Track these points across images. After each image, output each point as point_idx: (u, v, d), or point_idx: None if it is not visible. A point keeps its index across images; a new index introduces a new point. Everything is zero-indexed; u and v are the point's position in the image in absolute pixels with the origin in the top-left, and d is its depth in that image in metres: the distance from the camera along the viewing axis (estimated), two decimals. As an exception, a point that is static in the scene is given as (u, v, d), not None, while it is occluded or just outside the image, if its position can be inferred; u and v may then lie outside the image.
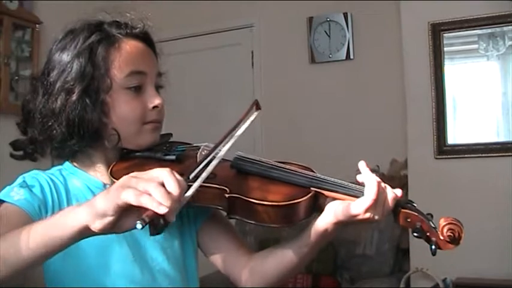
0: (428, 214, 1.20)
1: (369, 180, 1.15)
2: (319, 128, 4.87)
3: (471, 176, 3.82)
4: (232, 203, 1.18)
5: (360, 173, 1.19)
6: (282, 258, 1.29)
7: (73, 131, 1.23)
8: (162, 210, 0.85)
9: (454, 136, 4.00)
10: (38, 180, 1.23)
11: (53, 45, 1.31)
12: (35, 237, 0.92)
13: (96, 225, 0.88)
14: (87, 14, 1.32)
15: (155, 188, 0.87)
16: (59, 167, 1.33)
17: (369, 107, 4.72)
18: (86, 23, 1.30)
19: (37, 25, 4.57)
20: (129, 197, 0.86)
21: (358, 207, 1.14)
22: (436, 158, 3.97)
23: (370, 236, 4.26)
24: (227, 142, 1.20)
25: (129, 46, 1.29)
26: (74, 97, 1.22)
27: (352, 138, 4.72)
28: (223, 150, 1.18)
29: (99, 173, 1.31)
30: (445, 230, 1.16)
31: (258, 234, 4.49)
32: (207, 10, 5.24)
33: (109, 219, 0.88)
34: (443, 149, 3.96)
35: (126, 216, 0.89)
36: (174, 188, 0.89)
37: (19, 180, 1.23)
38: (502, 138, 3.92)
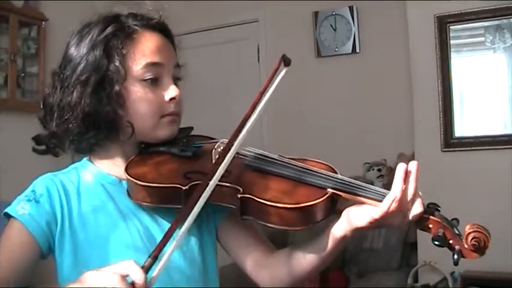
0: (453, 219, 1.13)
1: (394, 187, 1.09)
2: (326, 122, 4.87)
3: (478, 168, 3.81)
4: (245, 204, 1.15)
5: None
6: (300, 262, 1.26)
7: (89, 124, 1.23)
8: None
9: (461, 129, 3.99)
10: (47, 189, 1.22)
11: (69, 38, 1.30)
12: None
13: None
14: (103, 8, 1.31)
15: None
16: (76, 164, 1.33)
17: (375, 101, 4.71)
18: (102, 15, 1.29)
19: (43, 22, 4.59)
20: None
21: (375, 214, 1.10)
22: (443, 151, 3.96)
23: (378, 230, 4.25)
24: (256, 108, 1.14)
25: (146, 37, 1.28)
26: (89, 89, 1.22)
27: (358, 132, 4.71)
28: (245, 129, 1.13)
29: (117, 168, 1.30)
30: (469, 238, 1.09)
31: (264, 228, 4.48)
32: (213, 5, 5.24)
33: None
34: (450, 142, 3.95)
35: None
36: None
37: (29, 189, 1.23)
38: (509, 130, 3.91)
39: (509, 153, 3.75)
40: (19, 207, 1.18)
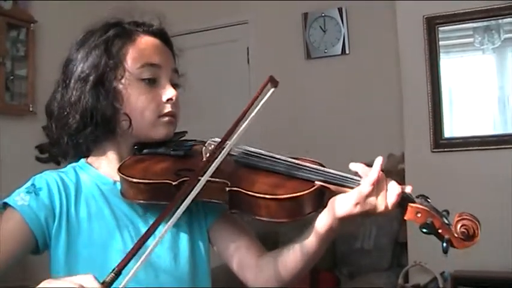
0: (444, 211, 1.14)
1: (371, 169, 1.12)
2: (316, 124, 4.88)
3: (468, 168, 3.83)
4: (233, 197, 1.17)
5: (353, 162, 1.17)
6: (288, 260, 1.26)
7: (87, 120, 1.27)
8: None
9: (451, 129, 4.01)
10: (47, 183, 1.24)
11: (73, 44, 1.35)
12: None
13: None
14: (105, 16, 1.38)
15: None
16: (74, 164, 1.35)
17: (365, 102, 4.72)
18: (104, 22, 1.36)
19: (32, 24, 4.56)
20: None
21: (357, 194, 1.11)
22: (433, 152, 3.97)
23: (368, 230, 4.27)
24: (238, 128, 1.15)
25: (145, 40, 1.34)
26: (89, 86, 1.27)
27: (348, 133, 4.72)
28: (233, 139, 1.15)
29: (112, 170, 1.32)
30: (458, 226, 1.10)
31: (256, 229, 4.49)
32: (202, 7, 5.24)
33: None
34: (440, 143, 3.96)
35: None
36: None
37: (29, 182, 1.25)
38: (498, 131, 3.93)
39: (499, 154, 3.77)
40: (18, 198, 1.20)
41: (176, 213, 0.98)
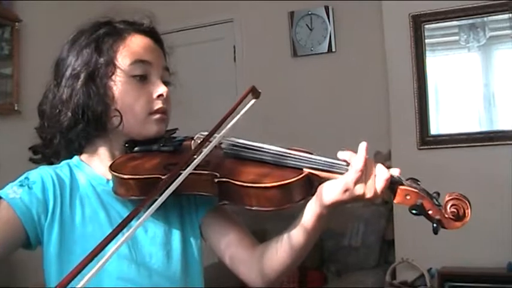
0: (434, 193, 1.14)
1: (356, 155, 1.12)
2: (302, 122, 4.88)
3: (454, 165, 3.85)
4: (223, 188, 1.17)
5: (342, 149, 1.17)
6: (276, 255, 1.26)
7: (78, 116, 1.27)
8: None
9: (437, 127, 4.04)
10: (41, 177, 1.24)
11: (63, 43, 1.36)
12: None
13: None
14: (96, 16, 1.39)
15: None
16: (68, 160, 1.35)
17: (351, 99, 4.73)
18: (95, 21, 1.37)
19: (17, 23, 4.52)
20: None
21: (345, 181, 1.10)
22: (419, 149, 4.00)
23: (356, 227, 4.28)
24: (219, 131, 1.15)
25: (135, 38, 1.35)
26: (80, 83, 1.28)
27: (335, 131, 4.72)
28: (216, 138, 1.15)
29: (104, 167, 1.31)
30: (448, 206, 1.10)
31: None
32: (188, 5, 5.22)
33: None
34: (426, 140, 3.99)
35: None
36: None
37: (23, 176, 1.25)
38: (483, 128, 3.95)
39: (484, 151, 3.79)
40: (11, 191, 1.20)
41: (154, 205, 0.93)
